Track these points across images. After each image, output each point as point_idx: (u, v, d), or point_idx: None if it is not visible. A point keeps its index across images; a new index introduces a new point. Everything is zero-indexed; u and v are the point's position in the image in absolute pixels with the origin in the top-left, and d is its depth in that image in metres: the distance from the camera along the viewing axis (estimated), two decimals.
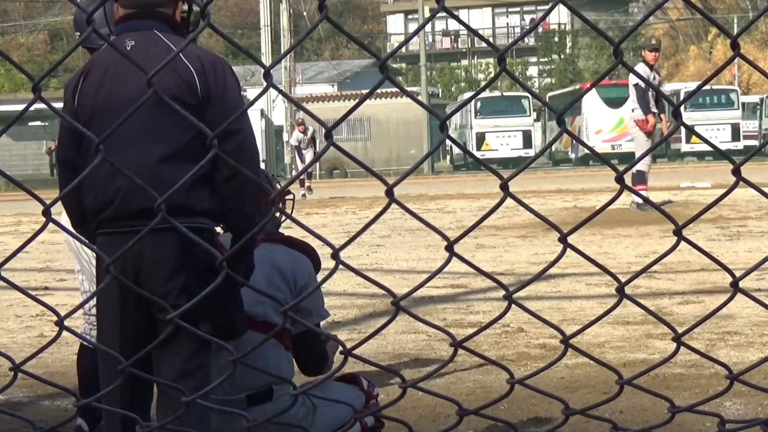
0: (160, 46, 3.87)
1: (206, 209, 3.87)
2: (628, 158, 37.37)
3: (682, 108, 2.16)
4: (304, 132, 27.99)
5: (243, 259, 3.94)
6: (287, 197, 4.91)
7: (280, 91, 2.13)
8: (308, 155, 28.57)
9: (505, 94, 48.81)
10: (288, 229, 4.94)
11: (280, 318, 4.35)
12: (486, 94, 46.43)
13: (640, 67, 15.63)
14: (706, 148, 42.63)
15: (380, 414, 4.37)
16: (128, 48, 3.88)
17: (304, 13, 54.98)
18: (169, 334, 3.82)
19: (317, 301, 4.56)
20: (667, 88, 48.28)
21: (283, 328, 4.41)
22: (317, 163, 29.10)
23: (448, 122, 2.12)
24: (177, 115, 3.61)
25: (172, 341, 3.80)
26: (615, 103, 42.23)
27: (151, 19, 3.96)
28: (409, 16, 69.32)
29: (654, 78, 15.81)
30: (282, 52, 42.14)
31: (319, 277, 4.64)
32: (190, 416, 3.71)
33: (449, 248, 2.09)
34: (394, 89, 41.03)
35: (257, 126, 41.22)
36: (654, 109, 15.71)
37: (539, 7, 67.65)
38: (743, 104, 48.26)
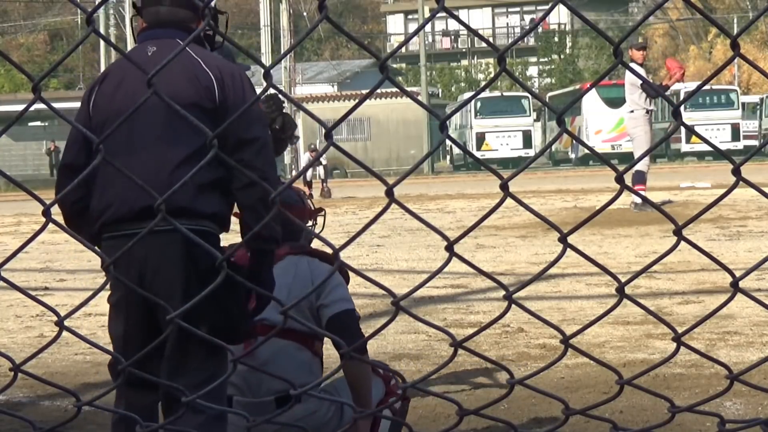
0: (182, 54, 3.88)
1: (212, 213, 3.86)
2: (628, 158, 37.36)
3: (682, 108, 2.16)
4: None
5: (262, 272, 3.91)
6: (319, 214, 4.92)
7: (280, 91, 2.13)
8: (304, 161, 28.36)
9: (505, 94, 48.82)
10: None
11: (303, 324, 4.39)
12: (486, 94, 46.43)
13: (635, 67, 15.61)
14: (706, 148, 42.63)
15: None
16: (149, 54, 3.93)
17: (304, 13, 54.99)
18: (176, 340, 3.82)
19: (339, 293, 4.57)
20: None
21: (309, 335, 4.52)
22: (318, 164, 28.94)
23: (448, 122, 2.11)
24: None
25: (183, 349, 3.81)
26: (615, 103, 42.18)
27: (174, 28, 4.01)
28: (409, 16, 69.31)
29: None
30: (282, 52, 42.11)
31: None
32: (209, 424, 3.72)
33: (449, 248, 2.08)
34: (394, 89, 41.03)
35: None
36: (651, 107, 15.75)
37: (539, 7, 67.64)
38: (743, 104, 48.27)
